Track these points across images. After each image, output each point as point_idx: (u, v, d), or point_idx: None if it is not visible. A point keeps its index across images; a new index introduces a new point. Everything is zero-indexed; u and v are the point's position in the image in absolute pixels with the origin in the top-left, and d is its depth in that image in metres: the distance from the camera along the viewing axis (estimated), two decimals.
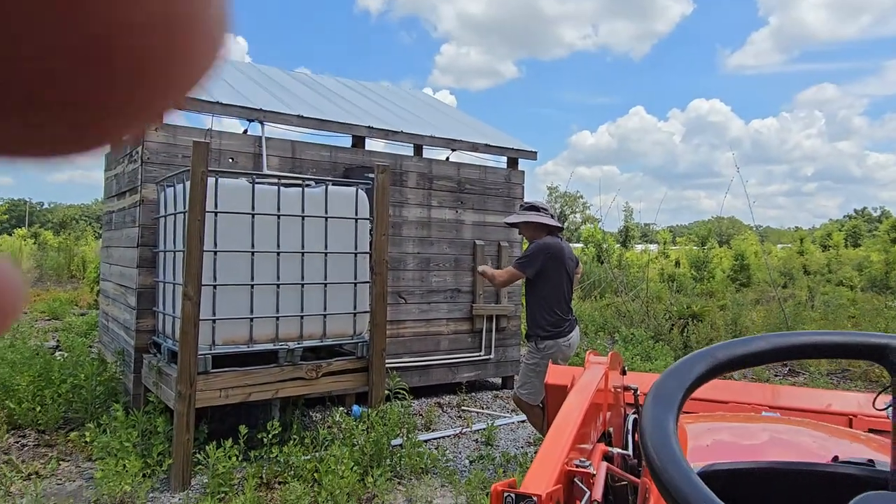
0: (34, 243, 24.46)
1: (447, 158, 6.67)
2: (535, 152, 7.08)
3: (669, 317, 9.75)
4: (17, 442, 4.54)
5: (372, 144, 6.15)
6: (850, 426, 2.02)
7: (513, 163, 7.03)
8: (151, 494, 3.78)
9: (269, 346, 4.28)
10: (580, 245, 22.01)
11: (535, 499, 0.87)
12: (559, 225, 4.31)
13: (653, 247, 26.27)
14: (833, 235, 29.60)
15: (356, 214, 4.65)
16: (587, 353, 2.11)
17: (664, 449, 0.67)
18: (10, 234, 30.06)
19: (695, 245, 23.43)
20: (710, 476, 0.84)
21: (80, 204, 63.82)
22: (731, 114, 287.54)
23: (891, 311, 11.15)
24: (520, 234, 4.67)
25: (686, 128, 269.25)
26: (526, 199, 4.37)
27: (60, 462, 4.23)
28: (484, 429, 5.03)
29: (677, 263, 21.34)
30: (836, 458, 0.92)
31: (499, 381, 6.87)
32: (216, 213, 4.09)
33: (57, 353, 6.46)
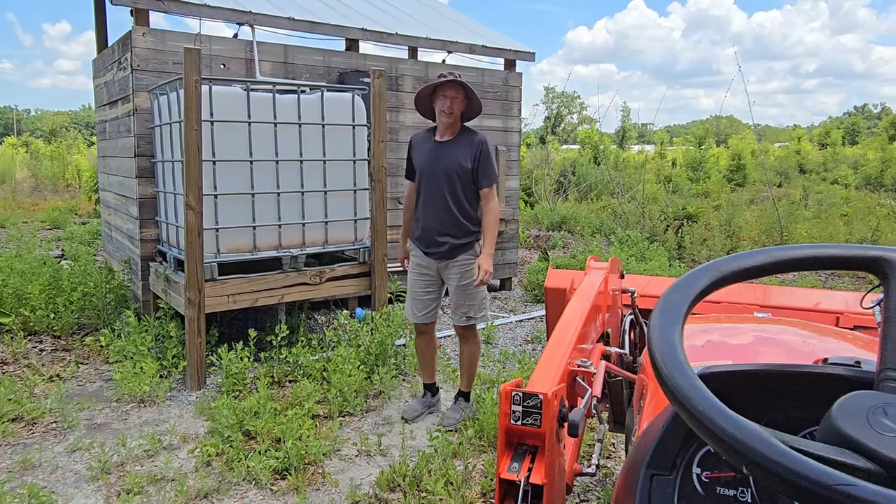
0: (26, 152, 24.10)
1: (443, 61, 6.52)
2: (534, 53, 6.91)
3: (664, 218, 9.84)
4: (35, 347, 4.72)
5: (366, 47, 6.00)
6: (837, 324, 2.14)
7: (510, 64, 6.88)
8: (170, 393, 3.99)
9: (273, 254, 4.38)
10: (577, 147, 21.79)
11: (541, 396, 0.95)
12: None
13: (650, 147, 26.06)
14: (831, 133, 29.35)
15: (353, 121, 4.62)
16: (588, 258, 2.19)
17: (671, 359, 0.74)
18: (0, 143, 29.56)
19: (692, 145, 23.24)
20: (707, 378, 0.91)
21: (69, 111, 62.47)
22: (733, 7, 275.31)
23: (882, 209, 11.27)
24: (441, 111, 3.37)
25: (686, 23, 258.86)
26: (443, 71, 3.67)
27: (79, 365, 4.43)
28: (483, 328, 5.23)
29: (674, 164, 21.24)
30: (825, 360, 1.02)
31: (497, 283, 7.06)
32: (212, 122, 4.07)
33: (62, 262, 6.56)
